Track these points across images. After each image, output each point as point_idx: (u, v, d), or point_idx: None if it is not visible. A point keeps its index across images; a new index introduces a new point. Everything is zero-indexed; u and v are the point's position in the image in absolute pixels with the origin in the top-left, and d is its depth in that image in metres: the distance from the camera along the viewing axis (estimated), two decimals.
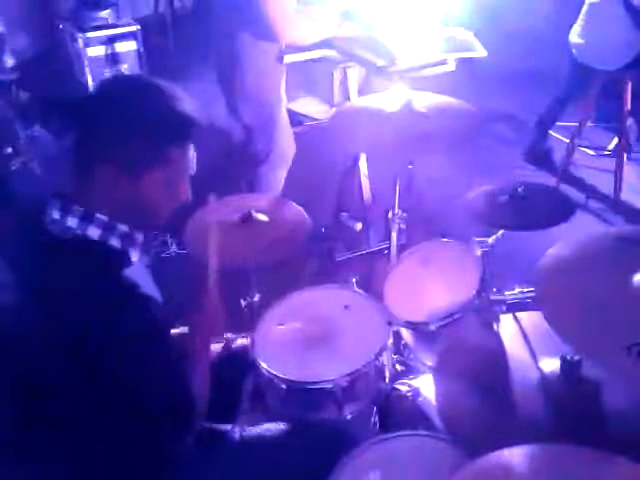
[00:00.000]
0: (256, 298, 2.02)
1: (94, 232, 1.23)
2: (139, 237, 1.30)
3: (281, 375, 1.61)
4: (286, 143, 2.98)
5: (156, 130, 1.23)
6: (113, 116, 1.23)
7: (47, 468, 1.27)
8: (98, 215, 1.23)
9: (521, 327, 1.53)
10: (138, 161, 1.23)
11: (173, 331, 1.53)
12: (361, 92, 3.01)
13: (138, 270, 1.27)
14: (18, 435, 1.27)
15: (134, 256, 1.28)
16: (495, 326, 1.59)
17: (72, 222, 1.22)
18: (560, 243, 1.38)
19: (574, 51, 3.35)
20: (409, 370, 1.89)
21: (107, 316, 1.16)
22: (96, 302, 1.16)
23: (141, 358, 1.20)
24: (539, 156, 3.90)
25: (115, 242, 1.25)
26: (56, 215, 1.22)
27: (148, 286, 1.25)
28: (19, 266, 1.24)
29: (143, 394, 1.22)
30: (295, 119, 4.22)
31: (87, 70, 4.16)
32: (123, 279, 1.20)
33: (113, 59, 4.17)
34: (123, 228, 1.27)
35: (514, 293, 2.10)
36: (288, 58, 2.83)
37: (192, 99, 1.29)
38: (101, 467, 1.24)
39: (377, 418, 1.74)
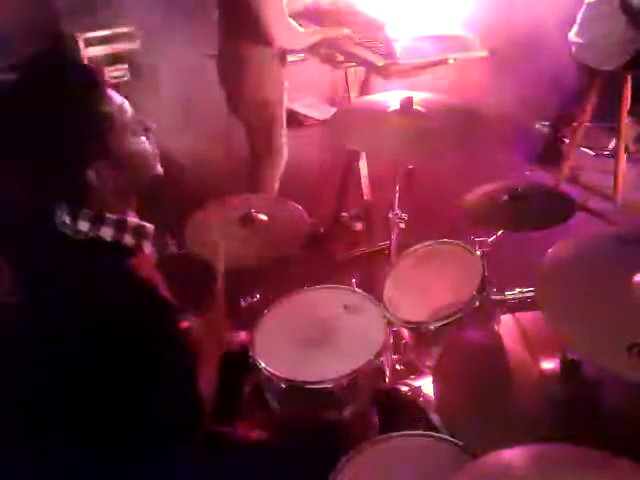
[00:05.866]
0: (256, 298, 2.02)
1: (107, 232, 1.22)
2: (150, 228, 1.29)
3: (281, 375, 1.61)
4: (282, 143, 3.00)
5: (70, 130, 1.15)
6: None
7: (51, 469, 1.27)
8: (108, 215, 1.22)
9: (521, 327, 1.53)
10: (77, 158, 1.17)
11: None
12: (361, 92, 3.01)
13: (152, 268, 1.26)
14: (25, 435, 1.27)
15: (147, 249, 1.28)
16: (495, 326, 1.58)
17: (84, 226, 1.20)
18: (560, 243, 1.38)
19: (573, 50, 3.35)
20: (409, 370, 1.89)
21: (124, 319, 1.15)
22: (113, 305, 1.15)
23: (156, 361, 1.20)
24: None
25: (129, 239, 1.24)
26: (67, 220, 1.20)
27: (162, 287, 1.24)
28: (31, 269, 1.23)
29: (154, 395, 1.21)
30: (295, 119, 4.24)
31: None
32: (138, 281, 1.19)
33: (113, 59, 4.16)
34: (133, 221, 1.26)
35: (514, 293, 2.10)
36: (288, 58, 2.84)
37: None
38: (105, 468, 1.25)
39: (377, 418, 1.74)
